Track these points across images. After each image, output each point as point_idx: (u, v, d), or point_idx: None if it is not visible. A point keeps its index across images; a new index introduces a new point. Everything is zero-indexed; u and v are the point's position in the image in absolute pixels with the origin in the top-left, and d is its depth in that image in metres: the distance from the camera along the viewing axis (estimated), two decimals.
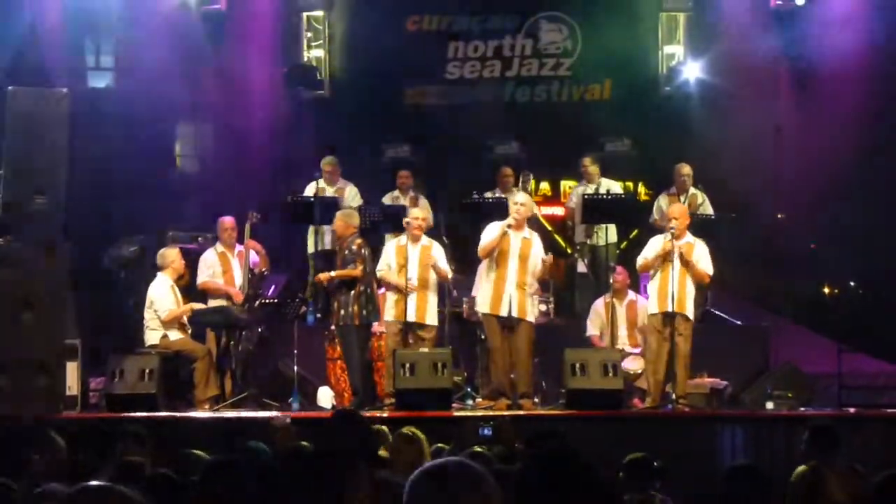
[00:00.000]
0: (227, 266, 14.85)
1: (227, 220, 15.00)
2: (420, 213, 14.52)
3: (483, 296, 13.81)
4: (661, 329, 13.67)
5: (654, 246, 13.91)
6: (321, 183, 15.93)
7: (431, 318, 14.09)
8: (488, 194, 16.57)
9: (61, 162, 12.84)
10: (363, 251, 14.01)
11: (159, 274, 14.55)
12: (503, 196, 16.19)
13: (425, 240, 14.29)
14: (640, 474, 8.15)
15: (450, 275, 14.39)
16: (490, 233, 13.75)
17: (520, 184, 16.83)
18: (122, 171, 17.36)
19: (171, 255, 14.65)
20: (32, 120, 12.84)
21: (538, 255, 13.82)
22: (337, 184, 16.53)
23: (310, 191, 15.87)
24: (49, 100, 13.05)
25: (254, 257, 14.87)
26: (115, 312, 15.79)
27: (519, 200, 13.95)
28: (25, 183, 12.71)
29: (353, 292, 13.90)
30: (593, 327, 15.26)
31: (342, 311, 13.96)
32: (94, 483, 3.07)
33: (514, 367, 13.64)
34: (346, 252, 14.08)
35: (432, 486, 3.61)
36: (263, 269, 15.02)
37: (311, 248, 16.28)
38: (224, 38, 18.72)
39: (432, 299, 14.13)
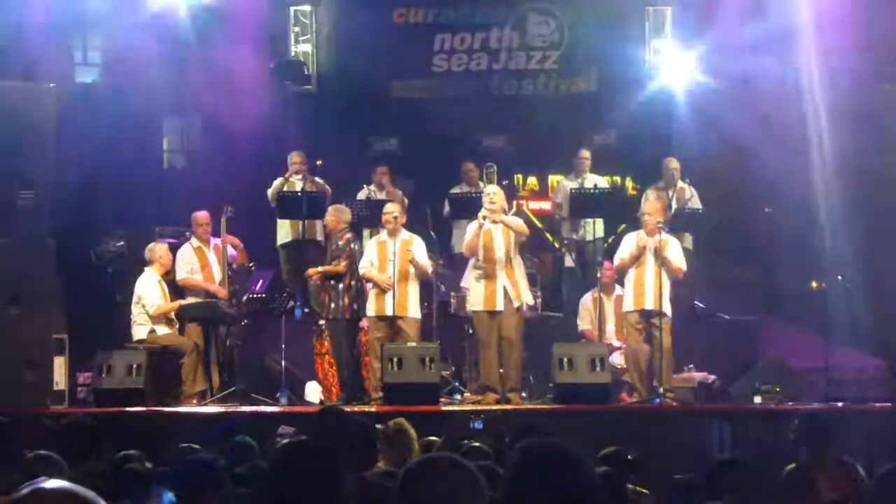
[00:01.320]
0: (204, 261, 14.80)
1: (201, 216, 14.93)
2: (394, 207, 14.49)
3: (475, 294, 13.81)
4: (638, 325, 13.74)
5: (629, 245, 13.96)
6: (294, 177, 15.87)
7: (413, 311, 14.08)
8: (455, 190, 16.61)
9: (48, 157, 12.82)
10: (351, 246, 14.02)
11: (147, 269, 14.54)
12: (471, 191, 16.24)
13: (405, 234, 14.28)
14: (614, 467, 8.17)
15: (429, 269, 14.35)
16: (469, 230, 13.84)
17: (485, 177, 16.84)
18: (109, 166, 17.33)
19: (159, 251, 14.64)
20: (19, 115, 12.83)
21: (520, 231, 13.88)
22: (307, 177, 16.36)
23: (276, 184, 15.92)
24: (36, 95, 13.05)
25: (231, 252, 14.84)
26: (102, 307, 15.76)
27: (490, 191, 14.08)
28: (12, 178, 12.70)
29: (342, 286, 13.91)
30: (584, 322, 15.27)
31: (332, 305, 13.98)
32: (49, 484, 3.06)
33: (504, 360, 13.66)
34: (334, 247, 14.10)
35: (421, 482, 3.62)
36: (250, 265, 15.01)
37: (279, 241, 16.31)
38: (211, 33, 18.68)
39: (413, 292, 14.10)
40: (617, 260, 14.07)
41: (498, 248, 13.74)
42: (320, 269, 14.17)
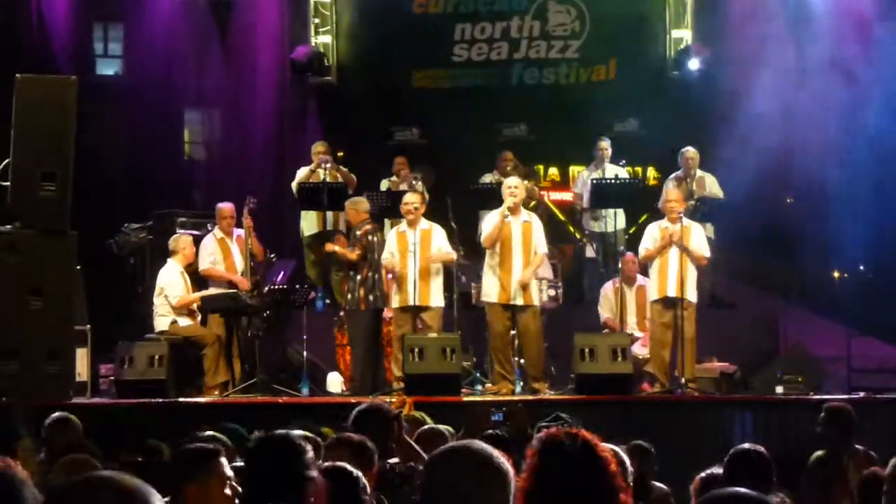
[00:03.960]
0: (227, 252, 14.80)
1: (227, 208, 14.91)
2: (413, 197, 14.45)
3: (489, 285, 13.77)
4: (664, 314, 13.68)
5: (654, 234, 13.91)
6: (321, 167, 15.84)
7: (435, 301, 14.06)
8: (488, 178, 16.55)
9: (69, 149, 12.84)
10: (368, 237, 13.99)
11: (170, 260, 14.55)
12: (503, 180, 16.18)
13: (425, 223, 14.23)
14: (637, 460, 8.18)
15: (454, 256, 14.31)
16: (489, 221, 13.75)
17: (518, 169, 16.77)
18: (130, 157, 17.41)
19: (182, 242, 14.65)
20: (41, 107, 12.84)
21: (540, 237, 13.82)
22: (332, 167, 16.29)
23: (301, 174, 15.92)
24: (57, 87, 13.06)
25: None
26: (124, 299, 15.81)
27: (512, 184, 13.93)
28: (34, 170, 12.71)
29: (359, 277, 13.91)
30: (604, 311, 15.23)
31: (349, 296, 13.98)
32: (97, 473, 3.06)
33: (524, 351, 13.63)
34: (352, 237, 14.12)
35: (447, 469, 3.63)
36: (272, 256, 15.03)
37: (305, 232, 16.32)
38: (232, 24, 18.72)
39: (436, 282, 14.07)
40: (642, 251, 14.01)
41: (515, 243, 13.69)
42: (337, 247, 14.16)
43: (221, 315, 14.49)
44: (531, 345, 13.63)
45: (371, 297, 13.96)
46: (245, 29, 18.79)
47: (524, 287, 13.59)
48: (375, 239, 14.07)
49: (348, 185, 15.89)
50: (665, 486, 8.29)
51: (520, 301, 13.59)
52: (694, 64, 18.22)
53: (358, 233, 14.04)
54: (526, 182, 15.11)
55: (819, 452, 8.31)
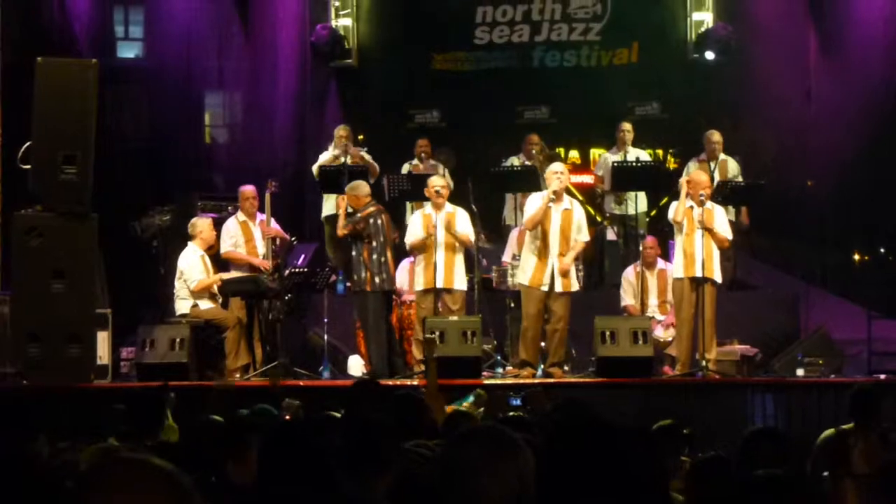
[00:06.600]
0: (249, 235, 14.79)
1: (249, 190, 14.90)
2: (442, 180, 14.42)
3: (526, 269, 13.71)
4: (687, 293, 13.60)
5: (677, 207, 13.79)
6: (339, 150, 15.84)
7: (460, 284, 14.06)
8: (515, 161, 16.48)
9: (90, 132, 12.87)
10: (369, 220, 13.89)
11: (189, 244, 14.56)
12: (528, 163, 16.10)
13: (449, 207, 14.22)
14: (669, 441, 8.17)
15: (472, 237, 14.27)
16: (533, 205, 13.68)
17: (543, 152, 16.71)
18: (151, 140, 17.43)
19: (200, 225, 14.66)
20: (61, 90, 12.88)
21: (581, 225, 13.77)
22: (353, 151, 16.29)
23: (324, 158, 15.89)
24: (78, 70, 13.09)
25: (276, 227, 14.84)
26: (146, 282, 15.84)
27: (557, 169, 13.86)
28: (55, 153, 12.75)
29: (362, 258, 13.87)
30: (628, 297, 15.17)
31: (354, 277, 13.97)
32: (126, 454, 3.07)
33: (550, 335, 13.60)
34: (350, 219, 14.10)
35: (463, 450, 3.62)
36: (292, 239, 15.04)
37: (324, 213, 16.28)
38: (252, 7, 18.72)
39: (460, 265, 14.07)
40: (672, 214, 13.80)
41: (554, 230, 13.64)
42: (340, 223, 14.11)
43: (242, 298, 14.50)
44: (559, 329, 13.59)
45: (377, 280, 13.92)
46: (265, 11, 18.78)
47: (564, 274, 13.57)
48: (380, 221, 13.98)
49: (371, 174, 15.82)
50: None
51: (557, 288, 13.56)
52: (710, 55, 18.16)
53: (358, 215, 13.99)
54: None
55: (827, 432, 8.30)
